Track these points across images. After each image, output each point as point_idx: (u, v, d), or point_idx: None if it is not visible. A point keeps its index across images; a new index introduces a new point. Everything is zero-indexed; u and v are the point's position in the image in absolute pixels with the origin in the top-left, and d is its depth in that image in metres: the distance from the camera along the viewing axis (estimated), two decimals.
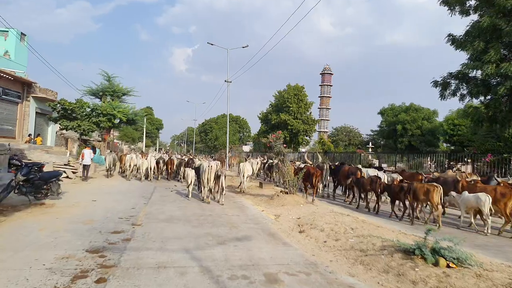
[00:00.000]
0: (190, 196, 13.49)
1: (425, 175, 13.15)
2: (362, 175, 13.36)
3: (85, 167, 17.75)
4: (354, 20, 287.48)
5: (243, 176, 16.29)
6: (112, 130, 41.11)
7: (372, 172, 14.29)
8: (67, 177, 17.94)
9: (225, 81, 26.20)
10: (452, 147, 38.45)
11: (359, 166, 16.51)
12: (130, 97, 32.40)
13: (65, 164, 18.75)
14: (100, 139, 31.95)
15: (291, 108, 35.88)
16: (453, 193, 9.82)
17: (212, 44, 27.13)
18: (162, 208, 10.77)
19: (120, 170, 22.56)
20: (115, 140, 53.60)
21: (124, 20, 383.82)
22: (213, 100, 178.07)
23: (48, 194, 11.42)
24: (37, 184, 11.05)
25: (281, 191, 12.89)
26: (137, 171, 20.52)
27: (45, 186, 11.30)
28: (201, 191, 13.45)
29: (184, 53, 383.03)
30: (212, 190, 12.90)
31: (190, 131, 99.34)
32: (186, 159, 21.57)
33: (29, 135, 23.38)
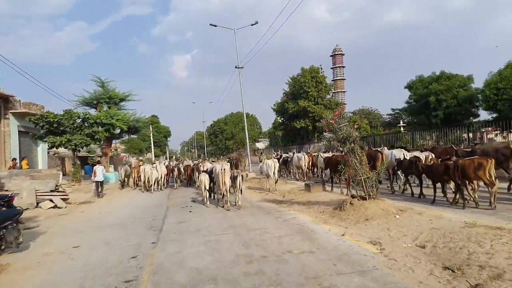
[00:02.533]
0: (207, 202, 12.08)
1: (456, 148, 11.98)
2: (383, 157, 11.78)
3: (98, 184, 17.17)
4: (350, 4, 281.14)
5: (273, 173, 14.40)
6: (114, 142, 37.20)
7: (397, 153, 12.37)
8: (55, 206, 13.85)
9: (236, 67, 21.98)
10: (495, 115, 33.57)
11: (383, 148, 14.44)
12: (129, 102, 28.33)
13: (52, 191, 14.68)
14: (101, 154, 27.92)
15: (310, 93, 31.34)
16: None
17: (215, 26, 22.82)
18: (181, 251, 6.48)
19: (133, 183, 20.98)
20: (121, 154, 49.73)
21: (121, 35, 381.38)
22: (222, 95, 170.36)
23: (2, 247, 7.25)
24: None
25: (352, 196, 8.52)
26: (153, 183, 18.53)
27: None
28: (210, 197, 12.83)
29: (183, 60, 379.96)
30: (226, 193, 11.27)
31: (199, 135, 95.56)
32: (192, 165, 20.61)
33: (13, 159, 19.34)
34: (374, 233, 6.46)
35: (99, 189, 17.16)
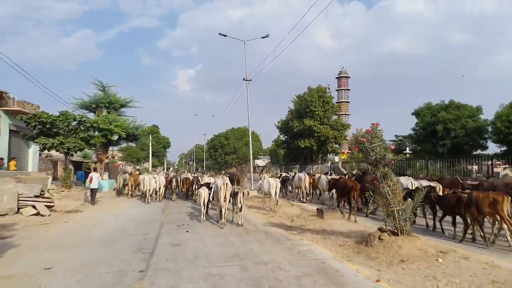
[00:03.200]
0: (203, 218, 11.50)
1: (462, 181, 11.51)
2: None
3: (93, 191, 16.84)
4: (352, 31, 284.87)
5: (275, 193, 13.63)
6: (111, 149, 35.85)
7: (405, 180, 11.56)
8: (37, 214, 12.44)
9: (243, 79, 20.89)
10: (504, 148, 32.59)
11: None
12: (130, 109, 27.13)
13: (36, 196, 13.28)
14: (96, 160, 26.54)
15: (316, 112, 30.21)
16: None
17: (225, 36, 21.85)
18: (174, 287, 5.19)
19: (129, 191, 20.23)
20: (118, 161, 48.27)
21: (127, 46, 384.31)
22: (225, 109, 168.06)
23: None
24: None
25: (380, 229, 7.19)
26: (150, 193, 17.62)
27: None
28: (207, 213, 12.20)
29: (186, 74, 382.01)
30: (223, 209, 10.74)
31: (198, 148, 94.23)
32: (191, 177, 19.74)
33: (1, 159, 18.00)
34: (418, 283, 5.11)
35: (92, 197, 16.76)
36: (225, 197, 10.58)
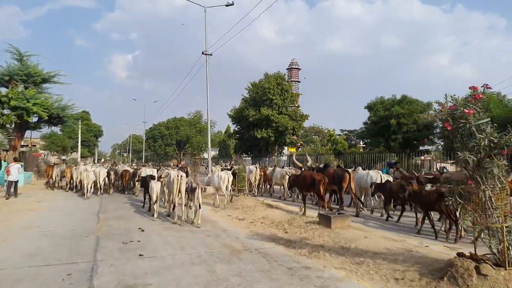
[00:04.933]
0: (156, 215, 10.07)
1: (418, 174, 11.12)
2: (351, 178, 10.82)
3: (11, 184, 14.84)
4: (295, 29, 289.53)
5: (225, 187, 12.21)
6: (30, 135, 29.76)
7: (374, 174, 10.97)
8: None
9: (202, 53, 17.32)
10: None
11: (357, 168, 12.63)
12: (55, 85, 22.00)
13: None
14: (7, 147, 21.09)
15: (274, 101, 27.54)
16: None
17: None
18: None
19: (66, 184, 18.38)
20: (40, 151, 41.32)
21: (57, 26, 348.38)
22: (174, 92, 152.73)
23: None
24: None
25: (461, 255, 4.54)
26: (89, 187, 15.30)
27: None
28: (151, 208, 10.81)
29: (124, 59, 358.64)
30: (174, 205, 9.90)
31: (134, 139, 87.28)
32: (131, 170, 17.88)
33: None
34: None
35: (12, 190, 14.85)
36: (179, 191, 9.39)
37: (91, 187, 15.23)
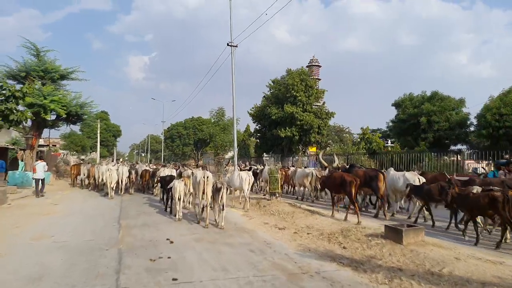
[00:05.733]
0: (180, 217, 9.49)
1: (449, 176, 9.41)
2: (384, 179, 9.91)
3: (38, 182, 15.11)
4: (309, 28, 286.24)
5: (247, 189, 11.47)
6: (51, 135, 29.11)
7: (411, 176, 9.98)
8: None
9: (228, 44, 16.06)
10: (485, 142, 30.97)
11: (389, 169, 11.32)
12: (74, 82, 21.11)
13: None
14: (25, 146, 20.26)
15: (298, 98, 25.97)
16: None
17: None
18: None
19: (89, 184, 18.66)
20: (60, 150, 40.90)
21: (76, 29, 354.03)
22: (194, 91, 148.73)
23: None
24: None
25: None
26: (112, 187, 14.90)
27: None
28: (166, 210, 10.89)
29: (141, 61, 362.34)
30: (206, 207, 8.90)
31: (152, 139, 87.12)
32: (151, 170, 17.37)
33: None
34: None
35: (39, 188, 15.09)
36: (205, 193, 8.85)
37: (114, 186, 14.90)
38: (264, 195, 14.85)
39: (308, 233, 7.81)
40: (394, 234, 6.43)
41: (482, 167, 17.39)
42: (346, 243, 6.75)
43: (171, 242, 7.02)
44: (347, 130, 51.42)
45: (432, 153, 20.28)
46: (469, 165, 22.15)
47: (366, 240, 6.76)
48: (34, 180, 15.50)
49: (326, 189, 11.40)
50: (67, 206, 12.67)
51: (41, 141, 35.89)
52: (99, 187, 17.30)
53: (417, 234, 6.39)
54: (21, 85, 18.48)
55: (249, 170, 15.62)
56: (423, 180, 9.73)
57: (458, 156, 21.44)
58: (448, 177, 9.79)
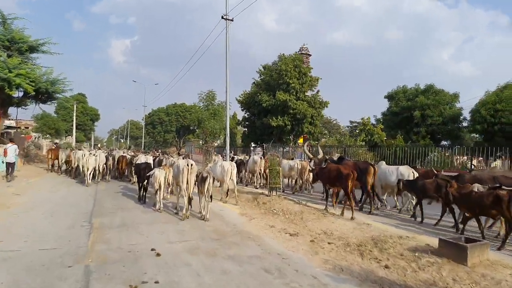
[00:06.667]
0: (161, 208, 8.86)
1: (436, 172, 9.60)
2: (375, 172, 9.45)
3: (8, 166, 14.46)
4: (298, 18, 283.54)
5: (230, 180, 10.60)
6: (24, 117, 26.42)
7: (405, 170, 9.50)
8: None
9: (222, 17, 14.10)
10: (477, 138, 30.47)
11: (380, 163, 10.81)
12: (44, 55, 18.68)
13: None
14: None
15: (292, 85, 24.32)
16: None
17: None
18: None
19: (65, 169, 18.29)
20: (32, 133, 37.91)
21: (56, 7, 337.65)
22: (180, 72, 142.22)
23: None
24: None
25: None
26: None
27: None
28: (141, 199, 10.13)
29: (122, 44, 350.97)
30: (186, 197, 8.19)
31: (132, 125, 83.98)
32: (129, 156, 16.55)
33: None
34: None
35: (9, 172, 14.59)
36: (188, 183, 8.21)
37: (91, 173, 14.14)
38: (256, 188, 14.06)
39: (329, 243, 6.26)
40: (453, 250, 4.93)
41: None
42: (386, 260, 5.22)
43: (158, 255, 5.31)
44: (334, 121, 50.24)
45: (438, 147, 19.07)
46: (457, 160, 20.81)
47: (413, 257, 5.24)
48: (4, 164, 14.77)
49: (319, 181, 10.60)
50: (31, 197, 10.72)
51: (12, 123, 32.93)
52: (75, 174, 16.29)
53: (483, 252, 4.93)
54: None
55: (232, 160, 14.82)
56: (416, 175, 9.30)
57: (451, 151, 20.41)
58: (436, 172, 9.64)
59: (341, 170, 8.83)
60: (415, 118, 30.03)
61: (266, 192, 11.52)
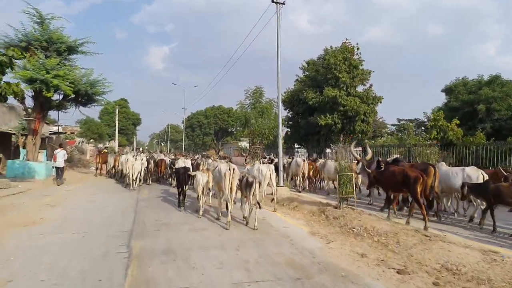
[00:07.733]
0: (201, 213, 8.42)
1: (506, 174, 8.24)
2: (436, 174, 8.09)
3: (58, 170, 14.86)
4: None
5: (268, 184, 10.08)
6: (69, 123, 26.05)
7: (473, 172, 8.32)
8: None
9: (272, 1, 12.36)
10: None
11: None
12: (84, 57, 17.74)
13: None
14: (26, 131, 17.15)
15: (342, 79, 22.06)
16: None
17: None
18: None
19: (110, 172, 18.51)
20: (76, 138, 38.16)
21: (99, 19, 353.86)
22: (222, 69, 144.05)
23: None
24: None
25: None
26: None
27: None
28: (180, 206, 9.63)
29: (161, 51, 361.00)
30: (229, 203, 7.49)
31: (171, 128, 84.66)
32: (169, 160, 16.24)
33: None
34: None
35: (59, 176, 14.91)
36: (231, 188, 7.43)
37: (136, 178, 14.04)
38: (299, 191, 13.24)
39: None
40: None
41: None
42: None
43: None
44: (381, 120, 46.85)
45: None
46: None
47: None
48: (54, 169, 15.50)
49: (377, 185, 9.51)
50: (65, 209, 9.39)
51: (60, 129, 33.14)
52: (119, 177, 16.60)
53: None
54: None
55: (271, 162, 13.56)
56: (486, 177, 8.20)
57: None
58: (505, 174, 8.29)
59: (408, 172, 7.73)
60: (480, 112, 26.48)
61: (333, 203, 9.44)
